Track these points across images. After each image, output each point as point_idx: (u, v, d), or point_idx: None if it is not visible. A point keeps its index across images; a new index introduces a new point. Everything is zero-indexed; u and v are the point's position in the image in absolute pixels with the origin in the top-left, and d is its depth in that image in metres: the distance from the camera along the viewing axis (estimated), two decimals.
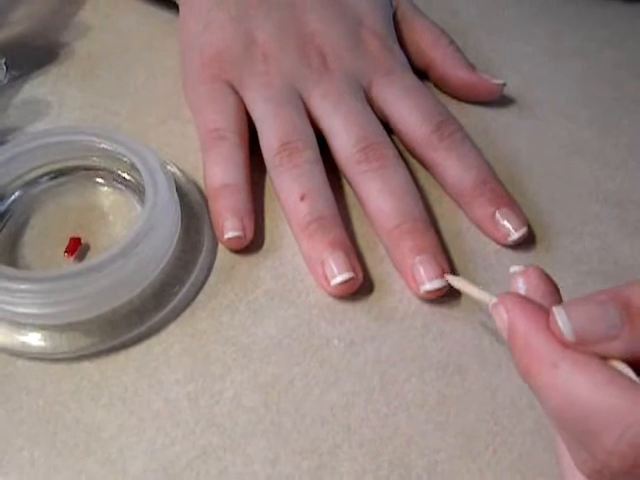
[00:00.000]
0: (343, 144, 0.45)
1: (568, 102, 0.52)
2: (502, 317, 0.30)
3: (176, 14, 0.53)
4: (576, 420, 0.26)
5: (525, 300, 0.30)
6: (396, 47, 0.51)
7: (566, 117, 0.51)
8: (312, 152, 0.44)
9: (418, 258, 0.40)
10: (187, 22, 0.52)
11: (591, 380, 0.26)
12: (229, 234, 0.42)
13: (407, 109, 0.47)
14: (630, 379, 0.26)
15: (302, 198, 0.42)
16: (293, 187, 0.43)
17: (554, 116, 0.51)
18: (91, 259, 0.38)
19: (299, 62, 0.48)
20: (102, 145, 0.43)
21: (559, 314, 0.27)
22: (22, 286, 0.36)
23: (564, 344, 0.27)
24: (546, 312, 0.28)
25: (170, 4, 0.56)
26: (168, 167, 0.44)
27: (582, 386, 0.26)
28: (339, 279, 0.40)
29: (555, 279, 0.41)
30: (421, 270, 0.40)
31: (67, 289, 0.37)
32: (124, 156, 0.42)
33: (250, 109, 0.47)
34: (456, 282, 0.37)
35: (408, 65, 0.50)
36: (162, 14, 0.58)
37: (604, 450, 0.26)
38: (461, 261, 0.42)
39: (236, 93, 0.48)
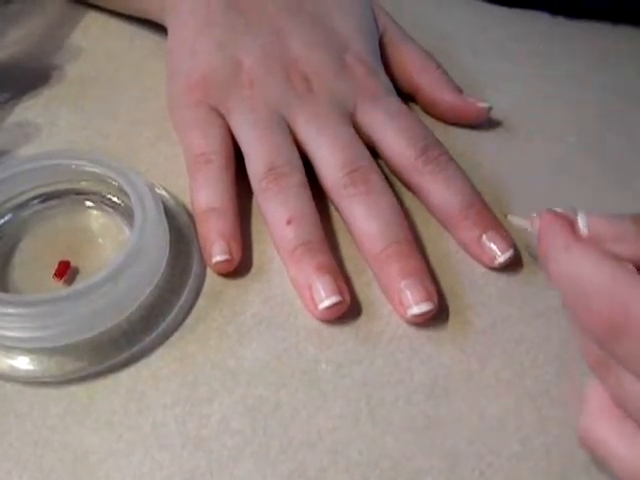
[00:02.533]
0: (329, 168, 0.45)
1: (555, 124, 0.53)
2: (536, 224, 0.35)
3: (166, 37, 0.54)
4: (578, 292, 0.30)
5: (556, 212, 0.34)
6: (381, 72, 0.51)
7: (553, 139, 0.51)
8: (298, 176, 0.45)
9: (404, 282, 0.40)
10: (174, 46, 0.52)
11: (596, 262, 0.29)
12: (216, 258, 0.42)
13: (392, 134, 0.47)
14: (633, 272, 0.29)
15: (289, 222, 0.43)
16: (280, 211, 0.43)
17: (541, 138, 0.51)
18: (80, 283, 0.38)
19: (284, 87, 0.48)
20: (91, 169, 0.43)
21: (580, 214, 0.32)
22: (10, 310, 0.36)
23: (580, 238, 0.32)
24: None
25: (160, 27, 0.56)
26: (157, 190, 0.44)
27: (587, 265, 0.29)
28: (326, 303, 0.40)
29: (542, 301, 0.42)
30: (408, 294, 0.40)
31: (55, 313, 0.37)
32: (113, 179, 0.43)
33: (236, 133, 0.48)
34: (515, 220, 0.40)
35: (393, 90, 0.51)
36: (152, 37, 0.59)
37: (593, 314, 0.29)
38: (448, 284, 0.43)
39: (222, 117, 0.48)
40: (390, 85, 0.51)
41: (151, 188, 0.42)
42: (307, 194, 0.44)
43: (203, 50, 0.50)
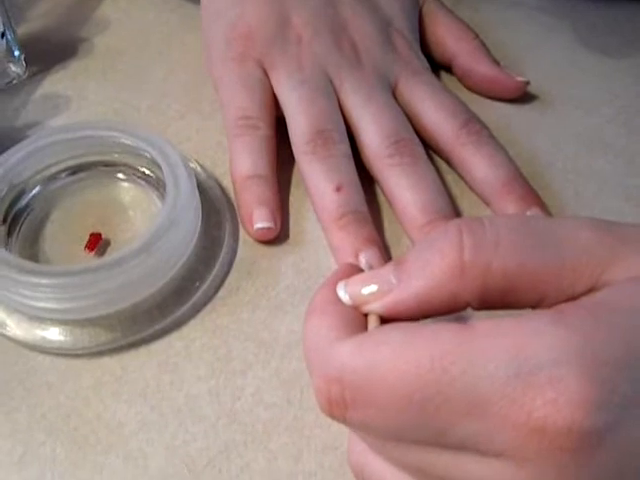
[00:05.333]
0: (374, 138, 0.44)
1: (590, 98, 0.51)
2: None
3: (195, 9, 0.53)
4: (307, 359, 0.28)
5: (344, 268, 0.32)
6: (420, 52, 0.51)
7: (588, 113, 0.50)
8: (345, 146, 0.44)
9: None
10: None
11: (315, 332, 0.28)
12: (259, 224, 0.42)
13: (434, 107, 0.46)
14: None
15: (338, 189, 0.42)
16: (329, 177, 0.42)
17: (575, 112, 0.50)
18: (112, 254, 0.38)
19: (332, 48, 0.47)
20: (123, 140, 0.43)
21: (339, 286, 0.30)
22: (43, 280, 0.36)
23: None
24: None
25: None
26: (188, 163, 0.44)
27: (309, 334, 0.28)
28: None
29: None
30: None
31: (88, 284, 0.37)
32: (145, 151, 0.42)
33: (279, 92, 0.46)
34: None
35: (430, 68, 0.50)
36: (181, 9, 0.58)
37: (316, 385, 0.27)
38: None
39: (266, 75, 0.47)
40: (427, 65, 0.50)
41: (184, 160, 0.41)
42: (353, 165, 0.44)
43: (251, 0, 0.48)
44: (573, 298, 0.26)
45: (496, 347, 0.24)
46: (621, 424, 0.23)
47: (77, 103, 0.51)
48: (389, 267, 0.29)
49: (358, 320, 0.28)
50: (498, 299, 0.27)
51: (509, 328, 0.25)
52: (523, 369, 0.23)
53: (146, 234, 0.38)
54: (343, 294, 0.29)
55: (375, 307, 0.29)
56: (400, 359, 0.25)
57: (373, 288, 0.29)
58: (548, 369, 0.23)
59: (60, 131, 0.44)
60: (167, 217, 0.39)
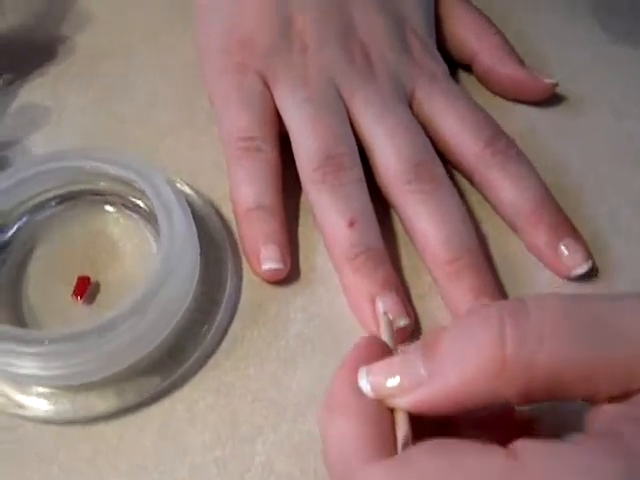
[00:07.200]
0: (390, 160, 0.40)
1: (620, 97, 0.47)
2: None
3: (184, 8, 0.48)
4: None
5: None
6: (437, 52, 0.46)
7: (618, 114, 0.46)
8: (358, 170, 0.40)
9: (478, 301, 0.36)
10: None
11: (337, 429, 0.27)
12: (267, 265, 0.38)
13: (456, 121, 0.42)
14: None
15: (351, 224, 0.38)
16: (340, 210, 0.38)
17: (606, 113, 0.46)
18: (103, 318, 0.34)
19: (341, 57, 0.43)
20: (111, 171, 0.39)
21: (361, 374, 0.27)
22: (31, 350, 0.33)
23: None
24: None
25: None
26: (180, 186, 0.40)
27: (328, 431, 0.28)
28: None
29: None
30: None
31: (75, 352, 0.33)
32: (133, 181, 0.38)
33: (283, 110, 0.42)
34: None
35: (449, 72, 0.46)
36: (169, 7, 0.53)
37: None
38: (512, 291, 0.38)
39: (267, 89, 0.43)
40: (446, 67, 0.46)
41: (177, 194, 0.37)
42: (367, 192, 0.40)
43: (250, 3, 0.44)
44: (629, 394, 0.24)
45: None
46: None
47: (57, 115, 0.46)
48: (417, 354, 0.26)
49: (386, 424, 0.26)
50: (542, 395, 0.25)
51: (562, 466, 0.22)
52: None
53: (140, 290, 0.34)
54: (365, 384, 0.27)
55: (401, 403, 0.26)
56: None
57: (398, 380, 0.26)
58: None
59: (44, 161, 0.40)
60: (162, 268, 0.35)
